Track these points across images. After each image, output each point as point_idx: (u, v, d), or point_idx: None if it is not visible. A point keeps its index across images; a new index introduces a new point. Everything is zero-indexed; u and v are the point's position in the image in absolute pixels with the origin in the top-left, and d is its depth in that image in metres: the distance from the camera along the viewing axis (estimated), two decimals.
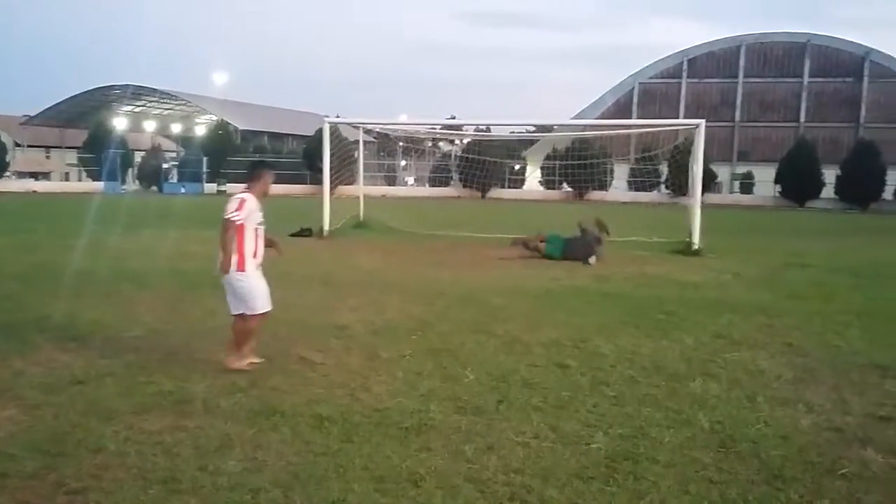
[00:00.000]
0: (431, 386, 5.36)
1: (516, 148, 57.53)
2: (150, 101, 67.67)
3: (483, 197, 49.79)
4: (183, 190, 49.08)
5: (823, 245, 18.12)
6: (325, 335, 6.91)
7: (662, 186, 49.64)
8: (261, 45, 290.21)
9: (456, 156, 56.73)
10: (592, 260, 13.18)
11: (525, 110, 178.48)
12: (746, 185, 54.48)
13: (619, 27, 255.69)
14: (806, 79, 58.32)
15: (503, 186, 52.32)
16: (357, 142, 25.39)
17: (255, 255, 5.67)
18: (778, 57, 59.14)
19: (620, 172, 52.11)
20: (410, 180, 66.00)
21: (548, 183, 53.93)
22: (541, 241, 14.04)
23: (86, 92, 61.48)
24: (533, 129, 67.06)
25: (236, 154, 52.35)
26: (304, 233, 17.52)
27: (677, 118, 49.13)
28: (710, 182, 41.27)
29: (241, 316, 5.72)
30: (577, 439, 4.35)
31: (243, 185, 5.93)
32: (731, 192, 53.81)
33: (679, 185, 31.67)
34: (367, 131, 29.10)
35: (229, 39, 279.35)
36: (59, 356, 5.96)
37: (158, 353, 6.11)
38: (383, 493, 3.60)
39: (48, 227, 18.78)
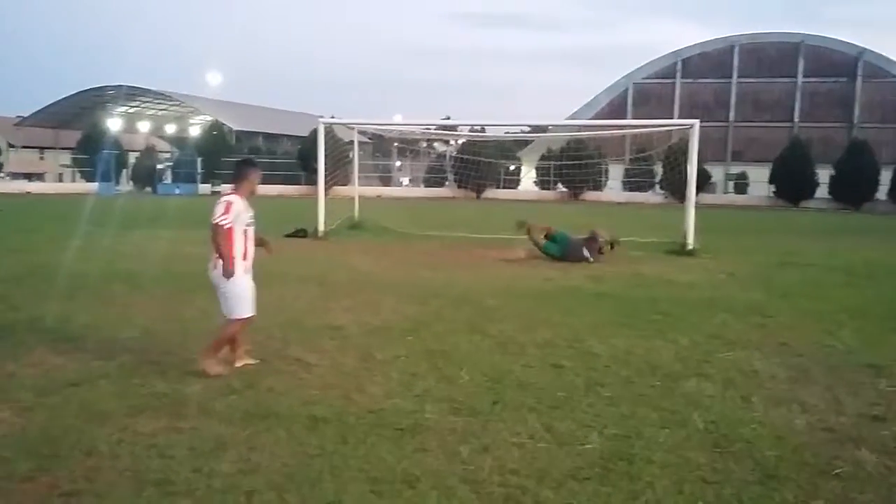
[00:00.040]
0: (426, 387, 5.35)
1: (511, 148, 57.62)
2: (145, 102, 67.42)
3: (478, 197, 49.80)
4: (177, 191, 48.87)
5: (817, 245, 18.17)
6: (319, 336, 6.90)
7: (657, 187, 49.78)
8: (255, 45, 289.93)
9: (451, 156, 56.71)
10: (585, 253, 13.29)
11: (519, 111, 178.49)
12: (740, 185, 54.54)
13: (612, 28, 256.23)
14: (800, 79, 58.50)
15: (498, 187, 52.34)
16: (352, 142, 25.35)
17: (244, 258, 5.57)
18: (771, 57, 59.29)
19: (615, 173, 52.28)
20: (405, 181, 65.94)
21: (543, 183, 53.98)
22: (546, 236, 14.00)
23: (80, 92, 61.21)
24: (527, 129, 67.16)
25: (231, 155, 52.04)
26: (299, 233, 17.49)
27: (671, 118, 49.19)
28: (704, 182, 41.32)
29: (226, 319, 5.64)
30: (572, 440, 4.35)
31: (230, 186, 5.82)
32: (726, 192, 53.86)
33: (674, 185, 31.79)
34: (362, 132, 29.02)
35: (223, 40, 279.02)
36: (52, 358, 5.94)
37: (152, 354, 6.08)
38: (378, 494, 3.60)
39: (42, 229, 18.71)
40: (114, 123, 59.80)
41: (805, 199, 47.38)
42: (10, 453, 4.00)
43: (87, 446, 4.12)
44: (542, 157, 53.67)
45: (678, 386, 5.50)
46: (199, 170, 52.08)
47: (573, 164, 44.31)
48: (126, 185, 53.85)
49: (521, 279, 11.20)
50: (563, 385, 5.46)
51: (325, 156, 19.00)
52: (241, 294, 5.55)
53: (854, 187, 45.43)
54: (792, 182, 47.46)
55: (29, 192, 47.30)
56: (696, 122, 16.28)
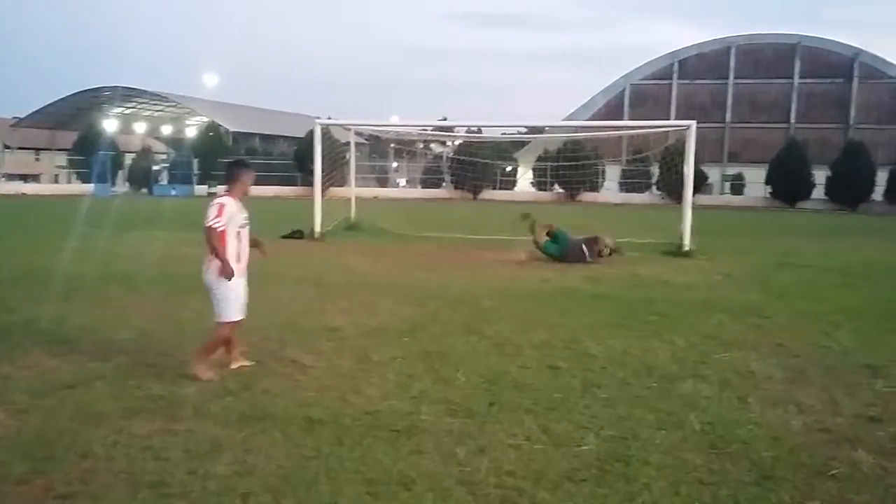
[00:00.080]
0: (423, 388, 5.35)
1: (508, 149, 57.63)
2: (141, 103, 67.29)
3: (475, 198, 49.81)
4: (173, 192, 48.82)
5: (814, 246, 18.21)
6: (316, 337, 6.89)
7: (654, 188, 49.83)
8: (252, 46, 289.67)
9: (447, 157, 56.74)
10: (584, 251, 13.35)
11: (518, 111, 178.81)
12: (737, 186, 54.67)
13: (609, 29, 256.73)
14: (796, 80, 58.62)
15: (495, 188, 52.36)
16: (348, 143, 25.36)
17: (238, 260, 5.53)
18: (768, 58, 59.42)
19: (612, 174, 52.30)
20: (402, 182, 65.99)
21: (539, 184, 54.01)
22: (548, 234, 13.98)
23: (76, 94, 61.06)
24: (524, 130, 67.18)
25: (227, 156, 51.92)
26: (296, 234, 17.47)
27: (668, 119, 49.18)
28: (700, 183, 41.37)
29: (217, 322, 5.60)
30: (568, 441, 4.35)
31: (223, 188, 5.78)
32: (722, 193, 53.96)
33: (670, 186, 31.76)
34: (359, 133, 29.03)
35: (220, 41, 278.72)
36: (47, 360, 5.92)
37: (148, 356, 6.07)
38: (374, 496, 3.59)
39: (37, 230, 18.66)
40: (110, 124, 59.70)
41: (801, 200, 47.47)
42: (5, 455, 3.98)
43: (83, 448, 4.10)
44: (539, 158, 53.74)
45: (675, 387, 5.50)
46: (196, 171, 52.00)
47: (570, 165, 44.32)
48: (122, 187, 53.75)
49: (517, 280, 11.20)
50: (559, 386, 5.46)
51: (322, 157, 18.97)
52: (232, 297, 5.51)
53: (850, 188, 45.51)
54: (788, 183, 47.55)
55: (25, 194, 47.21)
56: (693, 123, 16.30)
